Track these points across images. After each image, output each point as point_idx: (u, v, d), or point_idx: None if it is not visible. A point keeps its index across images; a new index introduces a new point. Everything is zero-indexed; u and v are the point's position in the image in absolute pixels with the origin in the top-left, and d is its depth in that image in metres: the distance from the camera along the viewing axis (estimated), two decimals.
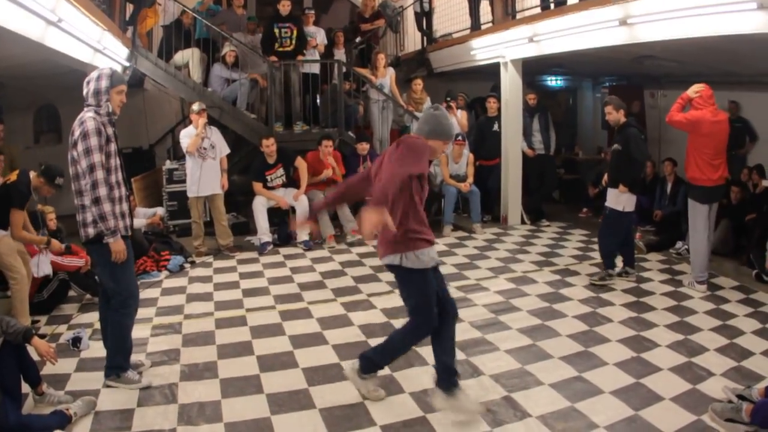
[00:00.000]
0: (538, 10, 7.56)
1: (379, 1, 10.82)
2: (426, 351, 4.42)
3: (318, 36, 9.38)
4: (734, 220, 6.87)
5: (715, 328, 4.85)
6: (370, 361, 3.70)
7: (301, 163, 7.77)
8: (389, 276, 5.39)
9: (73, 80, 6.87)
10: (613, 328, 4.89)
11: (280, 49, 8.75)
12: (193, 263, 6.96)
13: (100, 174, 3.60)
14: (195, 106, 7.19)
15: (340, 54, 9.70)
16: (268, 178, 7.65)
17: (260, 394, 3.87)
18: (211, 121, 7.50)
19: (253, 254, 7.37)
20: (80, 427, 3.47)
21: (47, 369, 3.80)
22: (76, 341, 4.57)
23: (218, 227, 7.39)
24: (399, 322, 4.57)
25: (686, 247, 6.65)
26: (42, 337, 4.23)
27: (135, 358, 4.15)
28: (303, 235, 7.63)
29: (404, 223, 3.39)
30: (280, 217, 7.96)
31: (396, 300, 4.81)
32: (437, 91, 9.71)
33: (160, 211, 8.05)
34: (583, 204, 9.62)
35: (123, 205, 3.82)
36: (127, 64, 7.73)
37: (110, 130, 3.71)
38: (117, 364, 3.93)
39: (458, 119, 9.01)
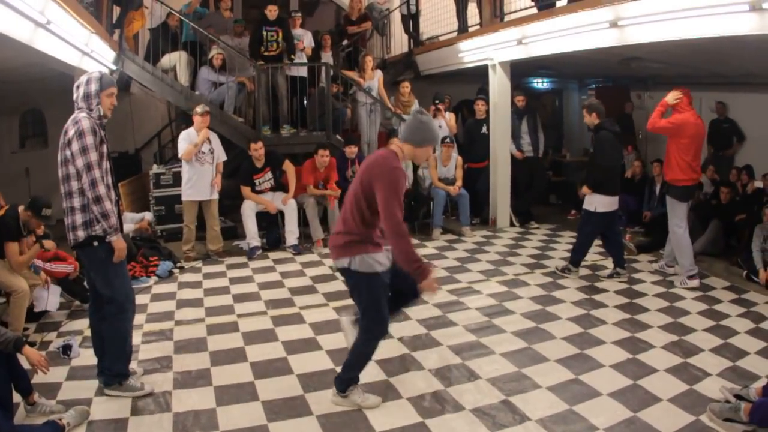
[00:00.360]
0: (527, 12, 7.57)
1: (365, 3, 10.80)
2: (422, 355, 4.43)
3: (305, 39, 9.34)
4: (724, 220, 6.91)
5: (709, 329, 4.87)
6: (344, 381, 3.73)
7: (289, 167, 7.70)
8: None
9: (59, 84, 6.82)
10: (608, 329, 4.89)
11: (266, 53, 8.71)
12: (181, 268, 6.88)
13: (97, 173, 3.55)
14: (199, 108, 7.12)
15: (327, 57, 9.65)
16: (257, 182, 7.58)
17: (256, 401, 3.81)
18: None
19: (242, 259, 7.30)
20: None
21: (37, 378, 3.69)
22: (66, 349, 4.47)
23: (210, 232, 7.32)
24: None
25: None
26: (31, 345, 4.13)
27: None
28: (292, 240, 7.57)
29: (358, 228, 3.51)
30: (268, 222, 7.89)
31: None
32: (424, 94, 9.69)
33: (148, 215, 7.97)
34: (572, 206, 9.64)
35: (114, 210, 3.73)
36: (114, 67, 7.64)
37: (102, 133, 3.66)
38: (118, 372, 3.85)
39: (447, 121, 9.02)
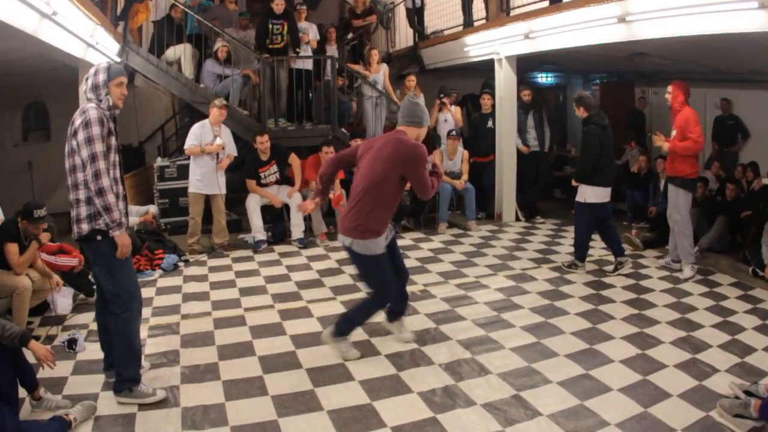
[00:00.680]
0: (533, 6, 7.53)
1: None
2: (431, 350, 4.41)
3: (310, 32, 9.31)
4: (730, 217, 6.89)
5: (717, 325, 4.85)
6: (343, 331, 4.26)
7: (294, 160, 7.68)
8: None
9: (62, 77, 6.79)
10: (616, 325, 4.87)
11: (271, 46, 8.68)
12: (186, 262, 6.86)
13: (102, 164, 3.43)
14: (217, 102, 7.09)
15: (332, 50, 9.63)
16: (262, 175, 7.55)
17: (265, 396, 3.78)
18: (204, 118, 7.37)
19: (248, 252, 7.28)
20: None
21: (43, 372, 3.59)
22: (72, 343, 4.43)
23: (217, 225, 7.29)
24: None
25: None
26: (36, 338, 4.09)
27: None
28: (298, 233, 7.55)
29: (373, 215, 3.96)
30: (273, 215, 7.87)
31: None
32: (428, 88, 9.66)
33: (152, 208, 7.93)
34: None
35: (121, 204, 3.65)
36: (119, 59, 7.60)
37: (111, 125, 3.59)
38: (129, 377, 3.68)
39: (453, 115, 8.99)
